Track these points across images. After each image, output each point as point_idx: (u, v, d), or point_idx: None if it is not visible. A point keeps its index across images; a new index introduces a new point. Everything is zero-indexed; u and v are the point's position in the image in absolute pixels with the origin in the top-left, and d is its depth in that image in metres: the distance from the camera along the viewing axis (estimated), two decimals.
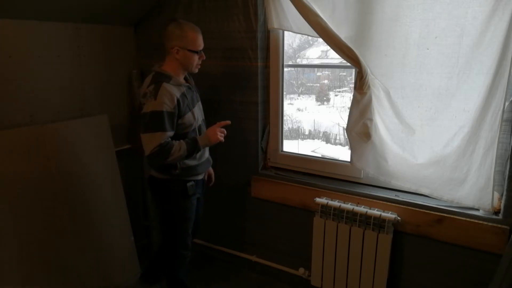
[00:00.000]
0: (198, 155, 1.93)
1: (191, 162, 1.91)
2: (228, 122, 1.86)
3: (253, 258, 2.55)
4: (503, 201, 1.69)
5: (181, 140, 1.78)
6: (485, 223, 1.71)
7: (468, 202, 1.73)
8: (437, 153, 1.76)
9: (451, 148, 1.72)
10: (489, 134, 1.61)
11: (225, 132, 1.86)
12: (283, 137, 2.38)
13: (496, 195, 1.72)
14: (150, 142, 1.70)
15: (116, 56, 2.54)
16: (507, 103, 1.58)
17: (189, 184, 1.93)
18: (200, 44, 1.83)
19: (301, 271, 2.32)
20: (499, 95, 1.55)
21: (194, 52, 1.80)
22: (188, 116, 1.83)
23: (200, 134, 1.94)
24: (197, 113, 1.93)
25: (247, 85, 2.29)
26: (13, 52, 1.95)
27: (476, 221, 1.73)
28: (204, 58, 1.89)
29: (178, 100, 1.74)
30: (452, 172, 1.73)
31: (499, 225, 1.68)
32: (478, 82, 1.59)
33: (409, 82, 1.75)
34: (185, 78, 1.95)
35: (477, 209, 1.75)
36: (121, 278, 2.44)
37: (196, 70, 1.91)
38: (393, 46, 1.74)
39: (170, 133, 1.75)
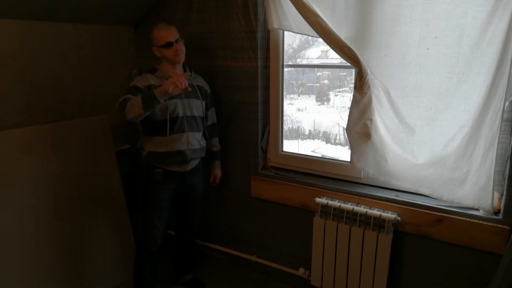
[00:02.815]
0: (165, 143, 2.00)
1: (156, 148, 2.03)
2: (188, 73, 1.98)
3: (253, 258, 2.55)
4: (503, 201, 1.69)
5: (141, 95, 1.85)
6: (485, 223, 1.71)
7: (468, 202, 1.73)
8: (437, 153, 1.76)
9: (451, 148, 1.72)
10: (489, 134, 1.61)
11: (182, 84, 1.73)
12: (283, 137, 2.38)
13: (496, 195, 1.72)
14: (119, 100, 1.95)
15: (116, 56, 2.54)
16: (507, 103, 1.58)
17: (156, 171, 2.04)
18: (165, 38, 1.95)
19: (301, 271, 2.32)
20: (499, 95, 1.55)
21: (161, 47, 1.97)
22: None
23: (177, 125, 2.02)
24: (179, 106, 2.01)
25: (247, 85, 2.29)
26: (13, 52, 1.95)
27: (476, 221, 1.73)
28: (179, 48, 1.98)
29: (150, 85, 1.95)
30: (452, 172, 1.73)
31: (499, 225, 1.68)
32: (478, 82, 1.59)
33: (409, 82, 1.75)
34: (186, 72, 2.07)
35: (477, 209, 1.75)
36: (121, 278, 2.44)
37: (179, 59, 2.02)
38: (393, 46, 1.74)
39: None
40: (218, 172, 2.37)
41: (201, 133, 2.16)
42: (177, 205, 2.28)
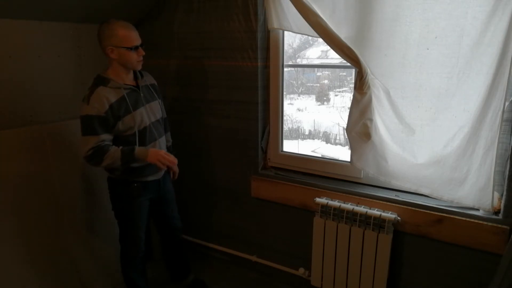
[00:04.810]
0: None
1: (133, 164, 1.86)
2: (175, 162, 1.89)
3: (253, 258, 2.55)
4: (503, 201, 1.69)
5: (119, 147, 1.78)
6: (485, 223, 1.71)
7: (468, 202, 1.73)
8: (437, 153, 1.76)
9: (451, 148, 1.72)
10: (489, 134, 1.61)
11: (172, 162, 1.84)
12: (283, 137, 2.38)
13: (496, 195, 1.72)
14: (84, 145, 1.75)
15: None
16: (507, 103, 1.58)
17: (133, 186, 1.93)
18: (133, 40, 1.78)
19: (301, 271, 2.32)
20: (499, 95, 1.55)
21: (128, 49, 1.77)
22: (127, 119, 1.81)
23: (148, 135, 1.90)
24: (144, 115, 1.88)
25: (247, 85, 2.29)
26: (13, 52, 1.95)
27: (476, 221, 1.73)
28: (143, 53, 1.84)
29: (111, 105, 1.75)
30: (452, 172, 1.73)
31: (499, 225, 1.68)
32: (478, 82, 1.59)
33: (409, 82, 1.75)
34: (137, 77, 1.94)
35: (477, 209, 1.75)
36: (120, 278, 2.44)
37: (139, 67, 1.88)
38: (393, 46, 1.74)
39: (105, 136, 1.77)
40: (175, 167, 2.17)
41: (165, 135, 2.10)
42: (155, 212, 2.21)
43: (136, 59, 1.82)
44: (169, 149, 2.23)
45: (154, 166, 1.93)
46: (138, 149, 1.81)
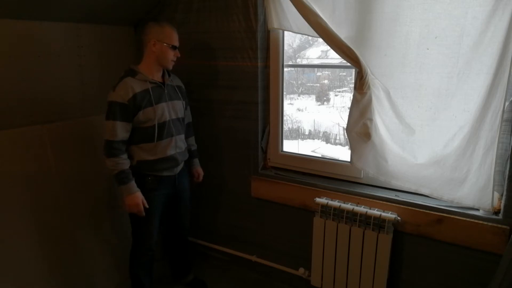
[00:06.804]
0: (155, 149, 1.97)
1: (147, 157, 1.96)
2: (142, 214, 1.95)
3: (253, 258, 2.55)
4: (503, 201, 1.69)
5: (124, 167, 1.88)
6: (485, 223, 1.71)
7: (468, 202, 1.73)
8: (437, 153, 1.76)
9: (451, 148, 1.72)
10: (489, 134, 1.61)
11: (140, 212, 1.93)
12: (283, 137, 2.38)
13: (496, 195, 1.72)
14: (105, 129, 1.87)
15: (116, 56, 2.54)
16: (507, 103, 1.58)
17: (147, 179, 1.99)
18: (175, 40, 1.97)
19: (301, 271, 2.32)
20: (499, 95, 1.55)
21: (168, 45, 1.93)
22: (147, 111, 1.90)
23: (166, 130, 1.98)
24: (165, 110, 1.97)
25: (247, 85, 2.29)
26: (13, 52, 1.95)
27: (476, 221, 1.73)
28: (179, 55, 2.01)
29: (135, 94, 1.86)
30: (452, 172, 1.73)
31: (499, 225, 1.68)
32: (478, 82, 1.59)
33: (409, 82, 1.75)
34: (164, 76, 2.04)
35: (477, 209, 1.75)
36: (122, 278, 2.44)
37: (170, 67, 2.02)
38: (393, 46, 1.74)
39: (123, 124, 1.86)
40: (200, 170, 2.37)
41: (184, 135, 2.15)
42: (168, 209, 2.23)
43: (171, 57, 1.97)
44: (193, 154, 2.32)
45: (169, 162, 2.03)
46: (131, 183, 1.90)
